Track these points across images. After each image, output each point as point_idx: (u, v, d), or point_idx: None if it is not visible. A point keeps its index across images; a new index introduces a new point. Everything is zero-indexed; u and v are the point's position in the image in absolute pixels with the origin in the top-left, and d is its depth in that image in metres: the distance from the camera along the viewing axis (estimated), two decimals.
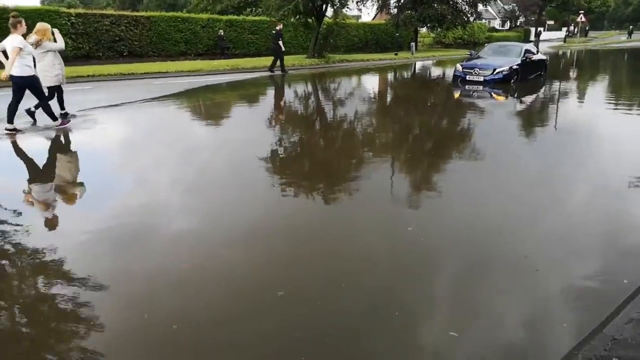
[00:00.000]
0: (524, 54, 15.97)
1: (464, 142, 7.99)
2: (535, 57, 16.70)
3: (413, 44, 30.12)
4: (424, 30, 38.04)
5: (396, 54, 27.90)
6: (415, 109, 11.91)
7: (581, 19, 44.92)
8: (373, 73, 21.36)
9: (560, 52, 37.55)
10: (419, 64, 25.80)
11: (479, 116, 10.62)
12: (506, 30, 56.64)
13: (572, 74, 22.21)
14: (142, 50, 24.05)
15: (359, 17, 53.09)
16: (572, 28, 54.61)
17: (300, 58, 22.64)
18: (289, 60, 20.17)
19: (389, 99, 13.22)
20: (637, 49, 39.47)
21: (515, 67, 15.18)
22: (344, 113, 11.10)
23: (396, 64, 25.31)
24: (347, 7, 23.90)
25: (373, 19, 44.19)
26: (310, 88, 16.80)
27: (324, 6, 22.19)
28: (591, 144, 7.63)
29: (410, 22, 32.02)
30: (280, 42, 18.17)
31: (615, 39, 54.13)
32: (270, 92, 15.50)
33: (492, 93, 14.00)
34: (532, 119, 10.58)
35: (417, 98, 14.27)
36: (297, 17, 22.28)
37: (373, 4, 34.24)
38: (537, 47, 43.11)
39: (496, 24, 60.11)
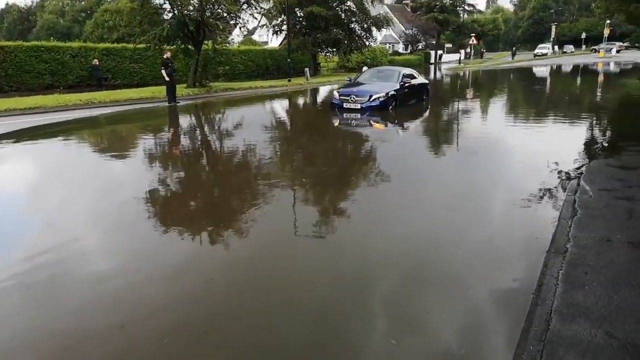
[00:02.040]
0: (402, 78, 15.32)
1: (349, 173, 6.90)
2: (414, 82, 16.15)
3: (307, 69, 29.25)
4: (328, 54, 37.58)
5: (289, 80, 26.80)
6: (288, 142, 10.48)
7: (473, 41, 47.20)
8: (255, 102, 19.96)
9: (455, 73, 38.83)
10: (310, 90, 24.83)
11: (354, 145, 10.05)
12: (408, 53, 58.40)
13: (462, 94, 22.33)
14: None
15: (266, 42, 52.35)
16: (468, 50, 57.46)
17: (179, 88, 20.72)
18: (162, 90, 18.26)
19: (259, 129, 11.82)
20: (519, 68, 41.94)
21: (392, 93, 14.44)
22: (217, 146, 10.53)
23: (286, 91, 24.15)
24: (226, 34, 22.43)
25: (280, 44, 43.30)
26: (182, 120, 15.06)
27: (201, 32, 20.53)
28: (465, 165, 7.23)
29: (305, 47, 31.27)
30: (163, 72, 16.81)
31: (506, 60, 57.67)
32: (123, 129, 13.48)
33: (371, 121, 13.04)
34: (410, 146, 9.98)
35: (293, 129, 12.95)
36: (170, 43, 20.52)
37: (268, 30, 33.25)
38: (440, 68, 45.63)
39: (400, 47, 61.91)
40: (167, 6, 19.83)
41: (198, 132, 12.87)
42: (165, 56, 17.13)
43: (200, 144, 10.92)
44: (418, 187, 6.72)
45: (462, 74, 38.73)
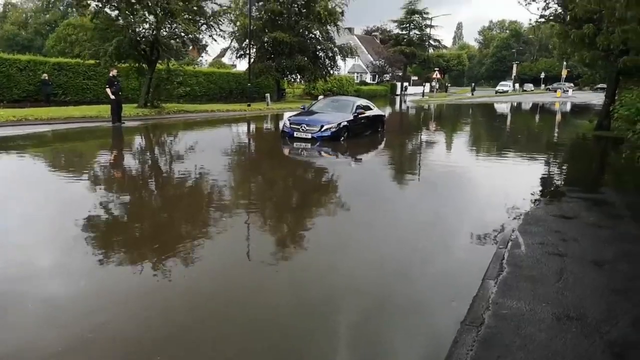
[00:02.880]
0: (356, 109, 14.96)
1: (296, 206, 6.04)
2: (369, 113, 15.84)
3: (268, 95, 28.79)
4: (294, 80, 37.28)
5: (249, 105, 26.23)
6: (227, 172, 9.76)
7: (437, 75, 48.15)
8: (207, 127, 19.24)
9: (419, 105, 39.28)
10: (268, 117, 24.28)
11: (299, 176, 9.48)
12: (375, 84, 59.12)
13: (421, 127, 22.29)
14: None
15: (234, 65, 51.90)
16: (433, 83, 58.70)
17: (130, 107, 19.82)
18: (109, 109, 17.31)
19: (199, 156, 11.13)
20: (481, 103, 42.92)
21: (345, 123, 14.01)
22: (148, 171, 9.94)
23: (243, 116, 23.54)
24: (184, 54, 21.83)
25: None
26: (118, 142, 14.13)
27: (155, 51, 19.81)
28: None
29: (269, 72, 30.92)
30: (108, 90, 15.94)
31: (468, 95, 59.11)
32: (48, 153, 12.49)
33: (321, 152, 12.54)
34: (353, 179, 9.44)
35: (236, 158, 12.25)
36: (122, 61, 19.72)
37: (232, 53, 32.82)
38: (405, 100, 46.20)
39: (368, 77, 62.68)
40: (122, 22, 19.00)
41: (131, 156, 12.02)
42: (111, 74, 16.32)
43: (130, 169, 10.11)
44: (346, 227, 6.14)
45: (426, 106, 39.21)
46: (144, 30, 19.49)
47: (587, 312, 3.62)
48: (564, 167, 12.05)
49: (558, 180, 10.04)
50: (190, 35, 20.48)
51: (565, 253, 4.89)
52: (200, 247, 5.20)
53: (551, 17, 16.39)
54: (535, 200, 7.53)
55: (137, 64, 20.63)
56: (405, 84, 58.21)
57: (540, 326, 3.42)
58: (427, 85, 58.35)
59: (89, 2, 18.23)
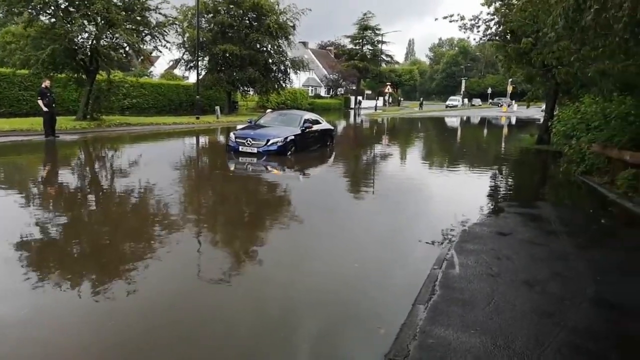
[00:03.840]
0: (303, 123, 14.75)
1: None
2: (317, 127, 15.69)
3: (217, 107, 28.16)
4: (246, 93, 36.68)
5: (197, 118, 25.53)
6: (163, 188, 9.18)
7: (388, 89, 49.05)
8: (150, 140, 18.49)
9: (372, 119, 39.73)
10: (217, 130, 23.66)
11: (242, 191, 9.05)
12: (329, 97, 59.52)
13: (372, 141, 22.38)
14: None
15: (186, 77, 50.76)
16: (387, 97, 59.70)
17: (67, 120, 18.77)
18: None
19: (138, 171, 10.51)
20: (432, 117, 43.99)
21: (292, 137, 13.75)
22: (78, 188, 9.28)
23: (190, 129, 22.85)
24: (130, 64, 21.01)
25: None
26: (48, 157, 13.23)
27: (94, 61, 18.90)
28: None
29: (220, 84, 30.32)
30: (40, 102, 15.09)
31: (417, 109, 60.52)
32: None
33: (267, 166, 12.19)
34: (297, 194, 9.16)
35: (176, 173, 11.68)
36: (59, 71, 18.72)
37: (180, 65, 32.02)
38: (359, 113, 46.68)
39: (322, 91, 63.02)
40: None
41: (60, 171, 11.23)
42: (43, 85, 15.39)
43: (57, 185, 9.36)
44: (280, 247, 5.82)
45: (379, 120, 39.71)
46: (82, 40, 18.55)
47: (515, 339, 3.46)
48: (505, 181, 12.26)
49: (498, 194, 10.14)
50: (133, 46, 19.63)
51: (498, 273, 4.77)
52: (145, 267, 4.90)
53: (493, 38, 16.89)
54: (475, 216, 7.47)
55: (75, 75, 19.60)
56: (359, 97, 58.89)
57: (466, 357, 3.21)
58: (381, 99, 59.32)
59: (21, 9, 17.14)
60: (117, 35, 19.08)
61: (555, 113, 17.68)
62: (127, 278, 4.63)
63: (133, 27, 19.64)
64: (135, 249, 5.63)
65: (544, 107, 21.51)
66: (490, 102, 73.82)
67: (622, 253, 5.76)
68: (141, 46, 20.27)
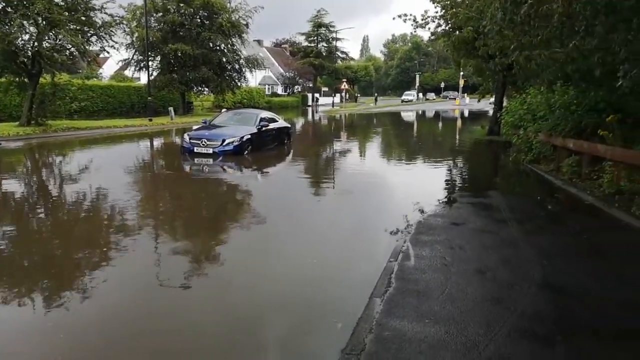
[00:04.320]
0: (259, 122, 14.63)
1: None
2: (274, 125, 15.60)
3: (171, 108, 27.48)
4: (201, 93, 35.90)
5: (150, 120, 24.83)
6: (116, 193, 8.82)
7: (344, 86, 49.42)
8: (100, 145, 17.83)
9: (330, 116, 39.91)
10: (171, 132, 23.07)
11: (199, 193, 8.73)
12: (286, 95, 59.36)
13: (330, 138, 22.45)
14: None
15: (137, 78, 49.24)
16: (344, 94, 60.11)
17: (10, 126, 17.81)
18: None
19: (88, 178, 10.10)
20: (388, 112, 44.67)
21: (248, 137, 13.61)
22: (41, 196, 8.94)
23: (143, 132, 22.19)
24: (78, 67, 20.17)
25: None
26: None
27: (36, 64, 18.01)
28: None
29: (172, 84, 29.60)
30: None
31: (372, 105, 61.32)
32: None
33: (224, 167, 12.00)
34: (256, 194, 9.08)
35: (127, 178, 11.30)
36: (0, 75, 17.77)
37: (130, 66, 31.03)
38: (317, 111, 46.75)
39: (279, 89, 62.74)
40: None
41: (3, 181, 10.64)
42: None
43: (2, 196, 8.88)
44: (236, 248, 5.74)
45: (337, 116, 39.93)
46: (22, 42, 17.62)
47: (467, 326, 3.55)
48: (458, 172, 12.61)
49: (452, 186, 10.40)
50: (78, 47, 18.81)
51: (451, 263, 4.89)
52: (99, 276, 4.75)
53: (442, 33, 17.32)
54: (430, 207, 7.61)
55: (17, 78, 18.62)
56: (316, 95, 59.06)
57: (421, 347, 3.27)
58: (338, 95, 59.66)
59: None
60: (60, 36, 18.23)
61: (504, 105, 18.34)
62: (80, 287, 4.49)
63: (77, 27, 18.84)
64: (89, 257, 5.41)
65: (492, 100, 22.25)
66: (442, 96, 76.10)
67: (567, 237, 6.03)
68: (87, 47, 19.46)
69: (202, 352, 3.47)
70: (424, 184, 10.42)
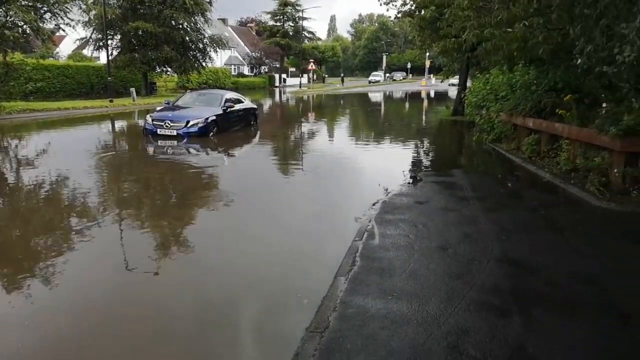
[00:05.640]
0: (225, 103, 14.37)
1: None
2: (240, 106, 15.40)
3: (133, 89, 26.61)
4: (165, 73, 34.83)
5: (111, 101, 24.00)
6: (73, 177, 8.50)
7: (312, 66, 49.07)
8: (57, 127, 17.18)
9: (298, 97, 39.59)
10: (133, 113, 22.41)
11: (166, 176, 8.61)
12: (253, 76, 58.45)
13: (297, 118, 22.31)
14: None
15: (97, 58, 47.33)
16: (311, 75, 59.64)
17: None
18: None
19: (45, 161, 9.71)
20: (356, 93, 44.70)
21: (213, 118, 13.37)
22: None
23: (103, 113, 21.46)
24: (26, 46, 19.19)
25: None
26: None
27: None
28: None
29: (134, 64, 28.61)
30: None
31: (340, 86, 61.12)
32: None
33: (189, 149, 11.76)
34: (225, 176, 8.77)
35: (85, 161, 10.92)
36: None
37: (89, 44, 29.78)
38: (284, 91, 46.25)
39: (245, 69, 61.68)
40: None
41: None
42: None
43: None
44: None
45: (305, 97, 39.65)
46: None
47: (429, 301, 3.65)
48: (424, 152, 12.79)
49: (417, 165, 10.55)
50: (31, 25, 17.88)
51: (414, 240, 4.99)
52: (67, 261, 4.67)
53: (407, 12, 17.36)
54: (395, 187, 7.70)
55: None
56: (284, 75, 58.42)
57: (384, 322, 3.34)
58: (305, 76, 59.15)
59: None
60: (11, 12, 17.26)
61: (468, 85, 18.63)
62: (45, 275, 4.40)
63: (29, 3, 17.89)
64: (52, 243, 5.26)
65: (452, 80, 22.53)
66: (388, 76, 76.30)
67: (526, 213, 6.24)
68: (40, 25, 18.51)
69: (170, 331, 3.45)
70: (390, 164, 10.53)
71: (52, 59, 36.49)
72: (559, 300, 3.73)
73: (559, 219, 5.94)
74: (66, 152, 11.73)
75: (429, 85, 58.65)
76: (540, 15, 6.50)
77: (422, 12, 16.67)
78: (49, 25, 19.61)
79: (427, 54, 55.54)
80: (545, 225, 5.69)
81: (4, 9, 17.23)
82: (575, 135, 7.89)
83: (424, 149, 13.37)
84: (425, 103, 35.59)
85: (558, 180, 7.70)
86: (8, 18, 17.71)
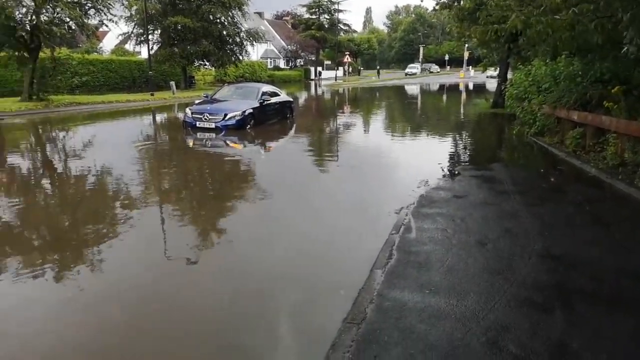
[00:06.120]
0: (261, 96, 14.51)
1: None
2: (276, 99, 15.49)
3: (172, 83, 27.22)
4: (204, 67, 35.49)
5: (152, 95, 24.67)
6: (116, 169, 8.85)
7: (347, 59, 48.81)
8: (102, 120, 17.81)
9: (333, 90, 39.51)
10: (173, 106, 22.94)
11: (205, 168, 8.66)
12: (289, 69, 58.67)
13: (334, 112, 22.30)
14: None
15: (138, 52, 48.63)
16: (346, 67, 59.36)
17: (12, 101, 17.76)
18: None
19: (90, 152, 10.14)
20: (392, 86, 44.16)
21: (250, 111, 13.53)
22: (49, 171, 8.95)
23: (145, 107, 22.09)
24: (71, 41, 19.95)
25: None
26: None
27: (35, 39, 17.82)
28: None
29: (173, 59, 29.28)
30: None
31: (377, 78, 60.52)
32: None
33: (227, 141, 11.99)
34: (261, 169, 8.82)
35: (129, 152, 11.30)
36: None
37: (130, 40, 30.65)
38: (320, 84, 46.23)
39: (281, 63, 61.97)
40: None
41: (9, 157, 10.69)
42: None
43: (10, 171, 8.93)
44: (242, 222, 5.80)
45: (340, 90, 39.54)
46: (20, 16, 17.40)
47: (467, 296, 3.60)
48: (462, 145, 12.54)
49: (455, 159, 10.37)
50: (76, 21, 18.58)
51: (452, 234, 4.92)
52: (112, 250, 4.87)
53: (445, 4, 16.98)
54: (433, 181, 7.60)
55: (16, 53, 18.48)
56: (319, 68, 58.37)
57: (421, 316, 3.32)
58: (340, 69, 58.88)
59: None
60: (58, 9, 17.99)
61: (508, 77, 18.09)
62: (94, 261, 4.60)
63: (75, 0, 18.55)
64: (101, 231, 5.50)
65: (490, 72, 21.89)
66: (425, 68, 74.51)
67: (569, 208, 6.04)
68: (85, 21, 19.20)
69: (211, 319, 3.56)
70: (427, 157, 10.39)
71: (96, 53, 37.82)
72: (604, 296, 3.61)
73: (605, 214, 5.73)
74: (111, 143, 12.17)
75: (467, 77, 57.29)
76: (589, 1, 6.22)
77: (461, 3, 16.28)
78: (93, 21, 20.33)
79: (466, 45, 54.33)
80: (590, 221, 5.50)
81: (51, 5, 17.95)
82: (623, 129, 7.54)
83: (462, 142, 13.11)
84: (464, 95, 34.82)
85: (604, 175, 7.40)
86: (55, 15, 18.44)
